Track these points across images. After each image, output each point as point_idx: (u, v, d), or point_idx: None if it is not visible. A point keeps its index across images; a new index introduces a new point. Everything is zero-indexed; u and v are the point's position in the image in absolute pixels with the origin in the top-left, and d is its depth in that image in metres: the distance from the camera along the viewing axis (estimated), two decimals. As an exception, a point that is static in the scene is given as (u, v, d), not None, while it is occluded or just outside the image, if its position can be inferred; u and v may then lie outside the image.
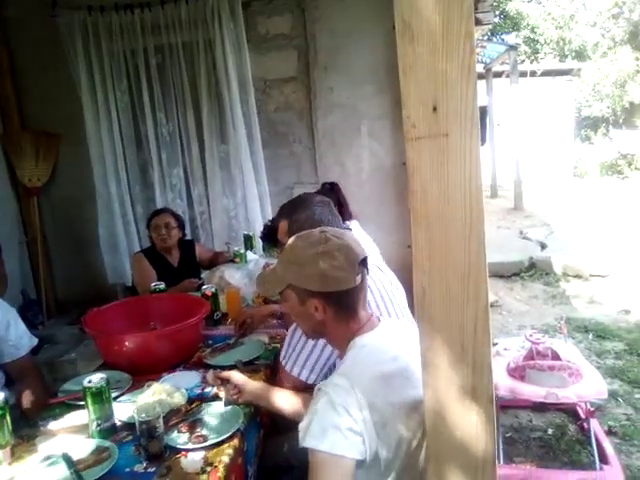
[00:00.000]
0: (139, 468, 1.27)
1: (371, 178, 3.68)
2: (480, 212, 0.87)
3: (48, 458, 1.30)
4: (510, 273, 5.21)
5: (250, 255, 2.84)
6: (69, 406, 1.58)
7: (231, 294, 2.19)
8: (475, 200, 0.86)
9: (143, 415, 1.27)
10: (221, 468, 1.23)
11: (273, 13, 3.68)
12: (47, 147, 3.83)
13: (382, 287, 1.66)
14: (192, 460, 1.27)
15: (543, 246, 6.01)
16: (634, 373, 3.11)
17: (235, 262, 2.70)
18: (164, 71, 3.62)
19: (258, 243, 2.97)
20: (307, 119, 3.72)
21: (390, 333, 1.22)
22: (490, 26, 8.03)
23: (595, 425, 2.42)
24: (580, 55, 16.18)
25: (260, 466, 1.54)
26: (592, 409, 2.43)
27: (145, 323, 1.96)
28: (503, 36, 16.44)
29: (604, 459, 2.23)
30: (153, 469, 1.25)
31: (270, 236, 2.39)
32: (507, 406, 2.70)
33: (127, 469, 1.27)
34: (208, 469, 1.23)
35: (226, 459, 1.27)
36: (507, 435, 2.54)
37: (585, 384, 2.20)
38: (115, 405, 1.46)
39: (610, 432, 2.52)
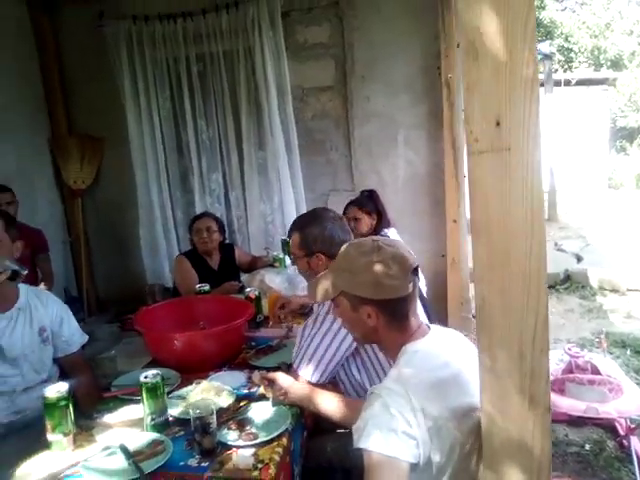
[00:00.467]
0: (192, 462, 1.32)
1: (406, 187, 3.71)
2: (541, 225, 0.89)
3: (107, 448, 1.36)
4: (545, 285, 5.13)
5: (288, 260, 2.89)
6: (122, 400, 1.65)
7: (273, 298, 2.24)
8: (537, 213, 0.89)
9: (198, 411, 1.33)
10: (272, 466, 1.27)
11: (311, 22, 3.75)
12: (92, 151, 3.98)
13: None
14: (243, 456, 1.31)
15: (579, 258, 5.91)
16: (674, 391, 3.03)
17: (274, 266, 2.76)
18: (205, 79, 3.73)
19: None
20: (344, 127, 3.77)
21: (440, 340, 1.25)
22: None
23: (635, 442, 2.38)
24: (616, 64, 15.85)
25: (303, 466, 1.58)
26: (633, 426, 2.39)
27: (191, 323, 2.02)
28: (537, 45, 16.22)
29: (645, 477, 2.19)
30: (206, 464, 1.30)
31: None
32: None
33: (181, 463, 1.32)
34: (259, 466, 1.28)
35: (276, 457, 1.31)
36: (543, 448, 2.51)
37: (626, 400, 2.17)
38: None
39: (650, 450, 2.47)
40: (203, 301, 2.22)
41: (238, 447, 1.35)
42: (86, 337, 2.04)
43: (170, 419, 1.50)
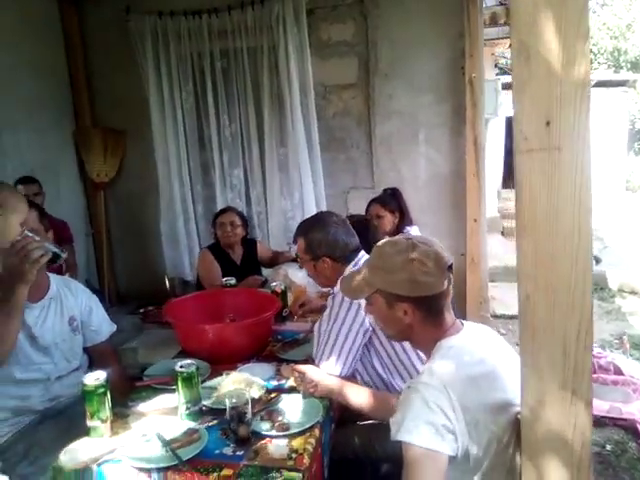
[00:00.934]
0: (227, 451, 1.35)
1: (427, 185, 3.71)
2: (588, 224, 0.90)
3: (143, 435, 1.39)
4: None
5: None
6: (154, 390, 1.68)
7: (298, 292, 2.27)
8: (584, 211, 0.90)
9: (233, 400, 1.35)
10: (306, 456, 1.30)
11: (336, 20, 3.76)
12: (115, 144, 4.03)
13: None
14: (278, 446, 1.34)
15: (597, 260, 5.87)
16: (695, 395, 3.02)
17: (297, 262, 2.77)
18: (228, 74, 3.76)
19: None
20: (365, 125, 3.78)
21: (475, 336, 1.26)
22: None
23: (657, 445, 2.38)
24: (636, 66, 15.66)
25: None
26: (655, 428, 2.38)
27: (218, 315, 2.06)
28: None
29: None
30: (241, 452, 1.33)
31: None
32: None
33: (216, 451, 1.35)
34: (293, 456, 1.30)
35: (310, 448, 1.33)
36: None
37: (650, 401, 2.17)
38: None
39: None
40: (231, 294, 2.25)
41: (272, 437, 1.38)
42: (114, 326, 2.06)
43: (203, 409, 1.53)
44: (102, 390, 1.42)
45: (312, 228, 1.84)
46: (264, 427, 1.41)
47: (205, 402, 1.55)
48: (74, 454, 1.35)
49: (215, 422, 1.48)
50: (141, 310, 3.72)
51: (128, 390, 1.76)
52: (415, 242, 1.24)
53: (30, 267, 1.46)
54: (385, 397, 1.54)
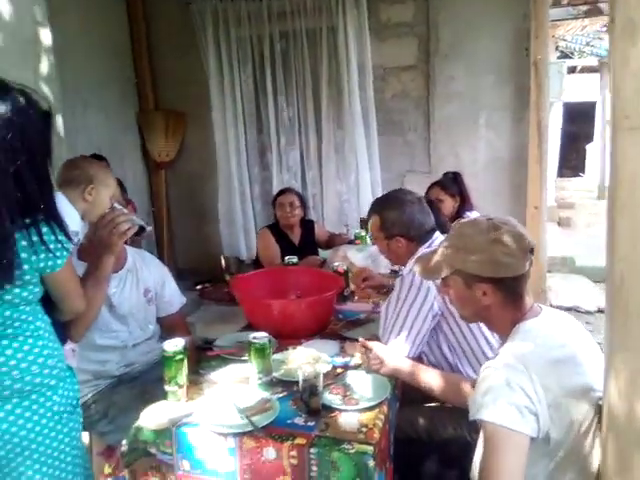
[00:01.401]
0: (299, 421, 1.39)
1: (486, 170, 3.63)
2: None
3: (218, 402, 1.46)
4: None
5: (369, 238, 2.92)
6: (224, 359, 1.75)
7: (358, 273, 2.29)
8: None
9: (307, 373, 1.39)
10: (377, 430, 1.32)
11: (396, 1, 3.71)
12: (176, 125, 4.15)
13: None
14: (347, 420, 1.37)
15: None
16: None
17: (356, 244, 2.80)
18: (287, 57, 3.78)
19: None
20: (424, 108, 3.72)
21: (554, 321, 1.24)
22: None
23: None
24: None
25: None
26: None
27: (282, 292, 2.10)
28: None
29: None
30: (312, 423, 1.37)
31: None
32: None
33: (288, 420, 1.39)
34: (364, 430, 1.33)
35: (380, 423, 1.36)
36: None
37: None
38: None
39: None
40: (294, 272, 2.29)
41: (341, 411, 1.41)
42: (184, 299, 2.15)
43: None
44: (180, 357, 1.49)
45: (387, 206, 1.81)
46: (334, 400, 1.45)
47: (275, 374, 1.60)
48: (154, 416, 1.43)
49: (285, 393, 1.52)
50: (198, 287, 3.84)
51: (197, 359, 1.84)
52: (496, 223, 1.23)
53: (118, 239, 1.53)
54: (457, 380, 1.53)
